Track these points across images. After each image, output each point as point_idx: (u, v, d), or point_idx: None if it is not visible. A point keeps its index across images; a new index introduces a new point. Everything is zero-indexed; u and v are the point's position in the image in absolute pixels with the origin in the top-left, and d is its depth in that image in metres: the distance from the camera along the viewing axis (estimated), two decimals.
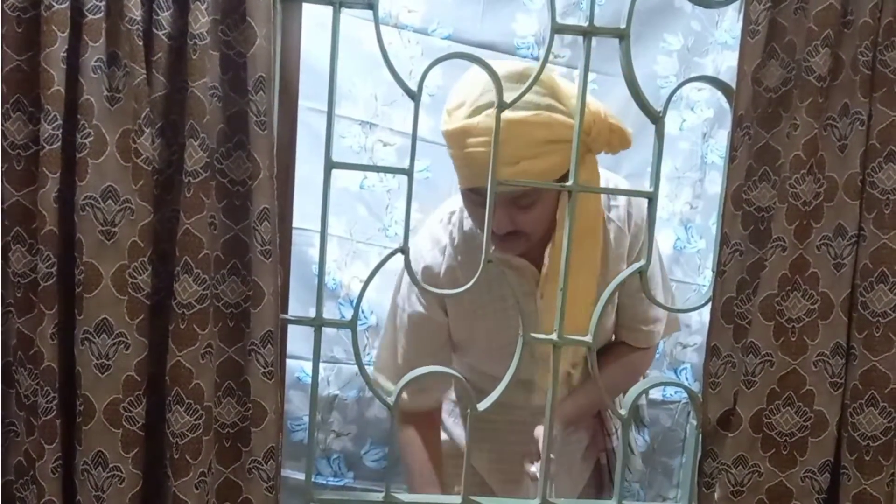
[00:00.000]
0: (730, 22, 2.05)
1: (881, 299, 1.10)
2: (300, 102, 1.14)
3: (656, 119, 1.13)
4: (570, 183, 1.15)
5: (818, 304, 1.12)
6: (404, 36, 2.00)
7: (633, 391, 1.22)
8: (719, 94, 2.02)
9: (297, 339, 1.85)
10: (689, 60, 2.10)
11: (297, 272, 1.23)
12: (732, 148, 1.12)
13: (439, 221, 1.47)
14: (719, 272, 1.15)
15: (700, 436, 1.18)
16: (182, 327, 1.03)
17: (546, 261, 1.38)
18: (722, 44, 2.09)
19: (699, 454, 1.18)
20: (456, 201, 1.45)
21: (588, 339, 1.19)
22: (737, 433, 1.14)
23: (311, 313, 1.16)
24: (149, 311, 1.04)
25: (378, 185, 2.02)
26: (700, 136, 2.10)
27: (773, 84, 1.10)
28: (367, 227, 2.03)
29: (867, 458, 1.11)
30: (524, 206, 1.31)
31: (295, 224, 1.17)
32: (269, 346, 1.08)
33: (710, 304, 1.16)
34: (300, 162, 1.15)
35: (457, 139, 1.26)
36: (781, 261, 1.11)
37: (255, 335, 1.07)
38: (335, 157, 1.10)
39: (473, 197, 1.32)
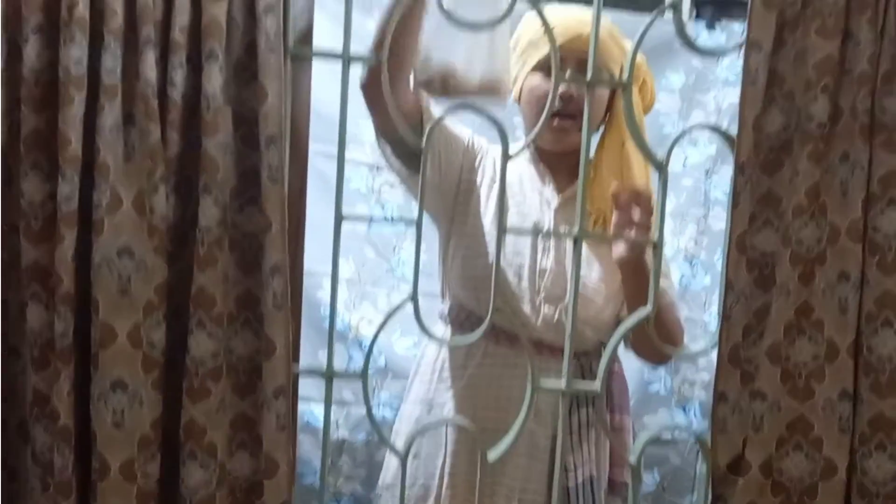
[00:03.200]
0: (730, 59, 2.09)
1: (886, 344, 1.11)
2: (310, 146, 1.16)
3: (660, 167, 1.15)
4: (575, 230, 1.16)
5: (824, 348, 1.13)
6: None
7: (643, 437, 1.23)
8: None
9: (307, 382, 1.85)
10: (690, 97, 2.13)
11: (307, 314, 1.24)
12: (735, 194, 1.13)
13: None
14: (725, 317, 1.16)
15: (709, 482, 1.18)
16: (196, 383, 1.04)
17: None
18: (723, 80, 2.12)
19: (709, 500, 1.18)
20: None
21: (596, 386, 1.20)
22: (746, 479, 1.14)
23: (321, 356, 1.17)
24: (163, 366, 1.05)
25: (385, 227, 2.04)
26: (703, 172, 2.12)
27: (774, 131, 1.12)
28: (375, 268, 2.05)
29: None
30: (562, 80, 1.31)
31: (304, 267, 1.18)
32: (282, 398, 1.09)
33: (716, 349, 1.17)
34: (308, 205, 1.17)
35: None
36: (786, 306, 1.13)
37: (268, 388, 1.09)
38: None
39: (545, 62, 1.33)
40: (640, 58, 1.37)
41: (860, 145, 1.09)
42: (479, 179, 1.41)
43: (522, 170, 1.45)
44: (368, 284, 2.04)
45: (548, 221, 1.41)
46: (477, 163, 1.43)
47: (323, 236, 1.15)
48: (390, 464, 1.47)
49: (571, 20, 1.35)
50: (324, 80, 1.21)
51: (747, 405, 1.16)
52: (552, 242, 1.40)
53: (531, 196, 1.42)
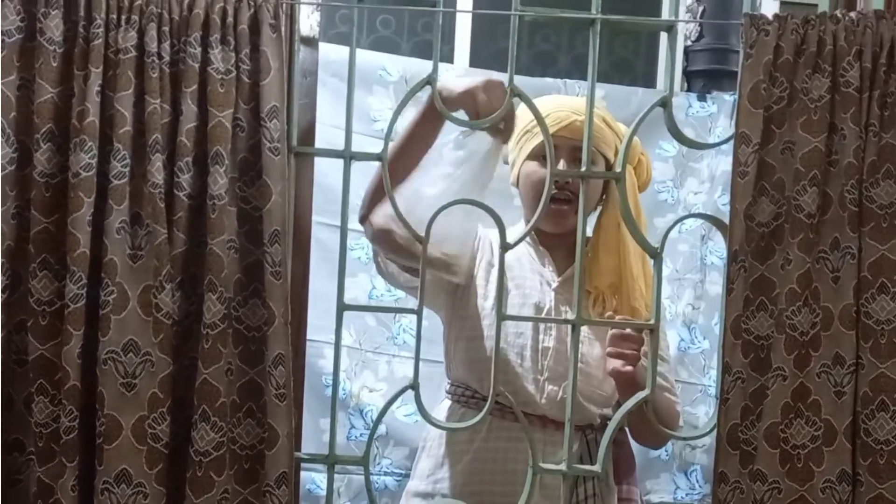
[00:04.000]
0: (722, 128, 2.13)
1: (883, 427, 1.12)
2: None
3: (655, 255, 1.17)
4: (572, 317, 1.18)
5: (822, 431, 1.14)
6: None
7: None
8: (716, 195, 2.10)
9: (309, 446, 1.86)
10: (684, 165, 2.16)
11: (308, 382, 1.26)
12: (729, 280, 1.16)
13: None
14: (723, 400, 1.17)
15: None
16: (199, 475, 1.06)
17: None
18: (716, 149, 2.15)
19: None
20: None
21: (597, 468, 1.21)
22: None
23: (322, 424, 1.18)
24: (167, 459, 1.06)
25: (386, 295, 2.06)
26: (699, 238, 2.15)
27: (765, 220, 1.15)
28: (376, 335, 2.06)
29: None
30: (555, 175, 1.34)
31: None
32: (284, 486, 1.10)
33: (714, 431, 1.18)
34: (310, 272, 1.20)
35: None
36: (783, 389, 1.14)
37: (270, 477, 1.10)
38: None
39: (541, 149, 1.36)
40: (636, 140, 1.42)
41: (849, 233, 1.12)
42: (477, 265, 1.44)
43: (521, 251, 1.48)
44: (369, 352, 2.05)
45: (549, 301, 1.43)
46: (475, 249, 1.46)
47: (324, 304, 1.17)
48: None
49: (564, 108, 1.38)
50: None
51: (748, 486, 1.16)
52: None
53: (531, 277, 1.45)
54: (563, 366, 1.40)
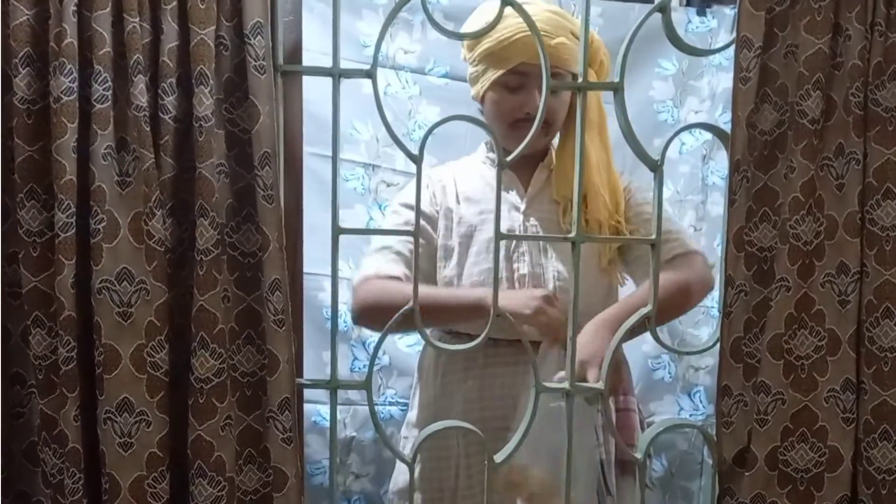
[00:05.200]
0: (723, 44, 2.07)
1: (888, 334, 1.11)
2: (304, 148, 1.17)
3: (654, 168, 1.15)
4: (573, 234, 1.17)
5: (826, 340, 1.13)
6: (402, 77, 2.03)
7: (648, 433, 1.23)
8: (717, 114, 2.06)
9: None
10: (684, 84, 2.11)
11: (309, 317, 1.25)
12: (731, 192, 1.13)
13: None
14: (726, 313, 1.16)
15: (716, 475, 1.19)
16: (201, 401, 1.05)
17: (553, 160, 1.47)
18: (716, 66, 2.10)
19: (717, 493, 1.19)
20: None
21: (600, 385, 1.21)
22: (753, 471, 1.15)
23: (325, 357, 1.18)
24: (167, 387, 1.06)
25: (384, 225, 2.04)
26: (700, 158, 2.11)
27: (768, 128, 1.12)
28: None
29: (884, 493, 1.12)
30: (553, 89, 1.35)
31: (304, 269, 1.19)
32: (287, 412, 1.10)
33: (718, 345, 1.18)
34: (305, 207, 1.18)
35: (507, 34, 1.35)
36: (786, 300, 1.13)
37: (273, 402, 1.09)
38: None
39: (509, 79, 1.38)
40: (596, 38, 1.43)
41: (854, 138, 1.09)
42: (441, 210, 1.46)
43: (484, 182, 1.47)
44: None
45: (517, 226, 1.43)
46: (438, 208, 1.47)
47: (321, 239, 1.15)
48: (401, 468, 1.48)
49: (530, 33, 1.33)
50: (315, 82, 1.20)
51: (751, 398, 1.16)
52: (525, 247, 1.42)
53: (490, 198, 1.42)
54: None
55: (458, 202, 1.46)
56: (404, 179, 2.02)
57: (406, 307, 1.13)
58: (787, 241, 1.12)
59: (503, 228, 1.39)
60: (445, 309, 1.37)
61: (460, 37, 1.26)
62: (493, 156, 1.48)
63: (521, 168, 1.47)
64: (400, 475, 1.48)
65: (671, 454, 2.07)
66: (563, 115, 1.44)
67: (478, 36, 1.23)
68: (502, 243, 1.36)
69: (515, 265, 1.42)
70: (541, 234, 1.41)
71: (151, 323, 1.04)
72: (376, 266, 1.41)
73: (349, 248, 2.01)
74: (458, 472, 1.42)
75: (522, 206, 1.45)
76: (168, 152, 1.02)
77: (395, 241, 1.44)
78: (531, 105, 1.37)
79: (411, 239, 1.39)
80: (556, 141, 1.49)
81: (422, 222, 1.43)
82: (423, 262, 1.42)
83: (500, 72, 1.38)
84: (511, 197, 1.46)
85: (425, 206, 1.45)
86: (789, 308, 1.13)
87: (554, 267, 1.42)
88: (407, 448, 1.48)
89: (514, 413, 1.35)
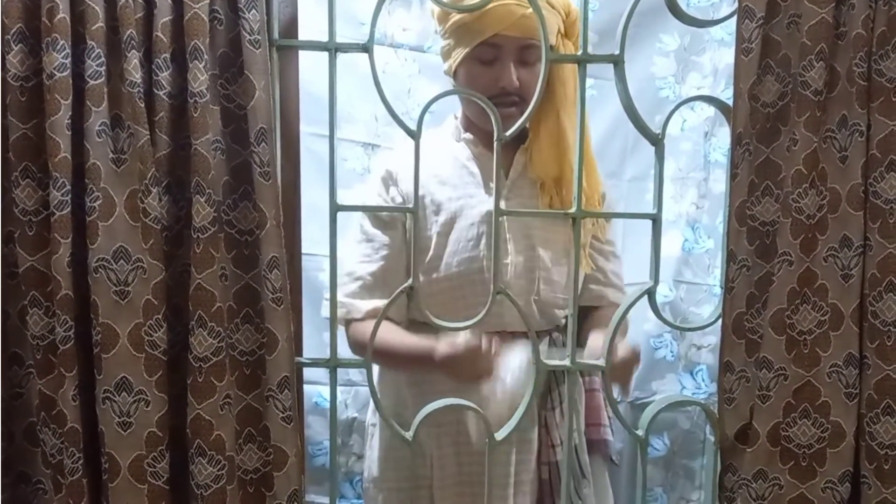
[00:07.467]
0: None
1: (891, 308, 1.10)
2: (301, 128, 1.15)
3: (656, 141, 1.14)
4: (573, 210, 1.15)
5: (828, 315, 1.12)
6: (401, 55, 2.01)
7: (650, 411, 1.23)
8: (719, 90, 2.04)
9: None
10: (686, 59, 2.09)
11: (309, 298, 1.24)
12: (733, 165, 1.12)
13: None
14: (728, 289, 1.15)
15: (718, 451, 1.19)
16: (200, 380, 1.05)
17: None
18: (718, 41, 2.08)
19: (719, 469, 1.19)
20: None
21: (601, 362, 1.20)
22: (755, 447, 1.15)
23: (324, 337, 1.17)
24: (166, 366, 1.05)
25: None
26: (702, 135, 2.09)
27: (770, 99, 1.11)
28: None
29: (886, 468, 1.11)
30: (530, 61, 1.34)
31: (303, 250, 1.18)
32: (287, 391, 1.09)
33: (720, 321, 1.17)
34: (304, 188, 1.17)
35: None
36: (789, 274, 1.12)
37: (272, 381, 1.09)
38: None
39: (482, 52, 1.33)
40: (574, 9, 1.37)
41: (858, 110, 1.08)
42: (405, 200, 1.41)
43: (459, 154, 1.43)
44: None
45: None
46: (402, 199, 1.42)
47: (320, 219, 1.14)
48: (373, 457, 1.47)
49: (504, 1, 1.29)
50: (312, 61, 1.19)
51: (753, 374, 1.16)
52: (508, 235, 1.38)
53: (477, 193, 1.40)
54: (525, 278, 1.40)
55: (431, 187, 1.40)
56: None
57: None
58: (790, 214, 1.11)
59: (483, 213, 1.37)
60: (396, 356, 1.35)
61: (458, 9, 1.23)
62: (468, 136, 1.43)
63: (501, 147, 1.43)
64: (372, 464, 1.47)
65: (673, 433, 2.07)
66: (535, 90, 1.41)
67: (474, 9, 1.19)
68: (482, 231, 1.35)
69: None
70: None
71: (149, 301, 1.03)
72: (352, 304, 1.39)
73: (348, 228, 2.00)
74: (431, 462, 1.41)
75: (504, 191, 1.40)
76: (163, 129, 1.01)
77: (357, 266, 1.40)
78: (506, 79, 1.33)
79: (373, 259, 1.40)
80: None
81: (390, 221, 1.41)
82: (394, 263, 1.39)
83: (473, 44, 1.33)
84: (488, 180, 1.40)
85: (385, 214, 1.41)
86: (792, 283, 1.12)
87: (539, 256, 1.39)
88: (375, 437, 1.47)
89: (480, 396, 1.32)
